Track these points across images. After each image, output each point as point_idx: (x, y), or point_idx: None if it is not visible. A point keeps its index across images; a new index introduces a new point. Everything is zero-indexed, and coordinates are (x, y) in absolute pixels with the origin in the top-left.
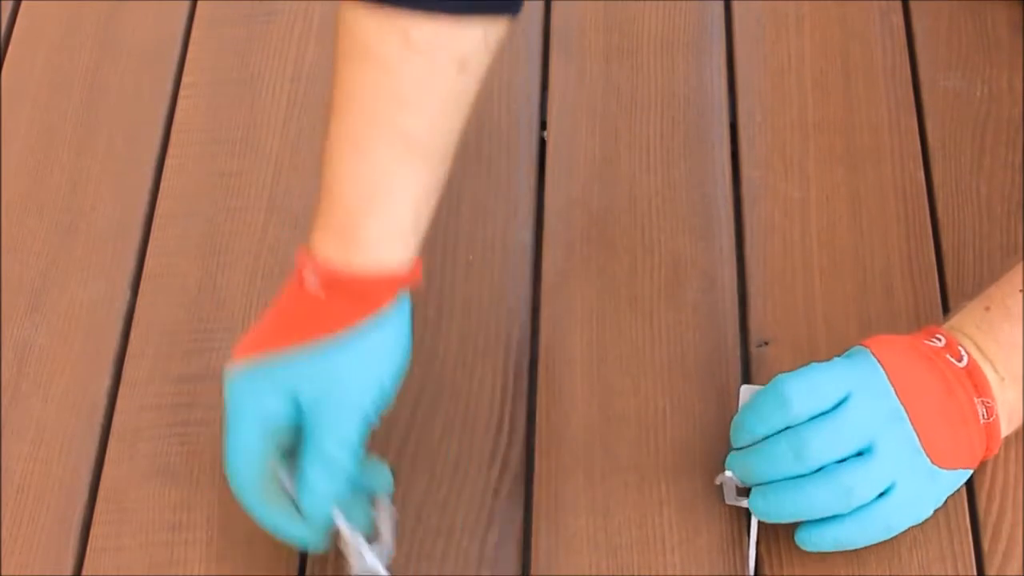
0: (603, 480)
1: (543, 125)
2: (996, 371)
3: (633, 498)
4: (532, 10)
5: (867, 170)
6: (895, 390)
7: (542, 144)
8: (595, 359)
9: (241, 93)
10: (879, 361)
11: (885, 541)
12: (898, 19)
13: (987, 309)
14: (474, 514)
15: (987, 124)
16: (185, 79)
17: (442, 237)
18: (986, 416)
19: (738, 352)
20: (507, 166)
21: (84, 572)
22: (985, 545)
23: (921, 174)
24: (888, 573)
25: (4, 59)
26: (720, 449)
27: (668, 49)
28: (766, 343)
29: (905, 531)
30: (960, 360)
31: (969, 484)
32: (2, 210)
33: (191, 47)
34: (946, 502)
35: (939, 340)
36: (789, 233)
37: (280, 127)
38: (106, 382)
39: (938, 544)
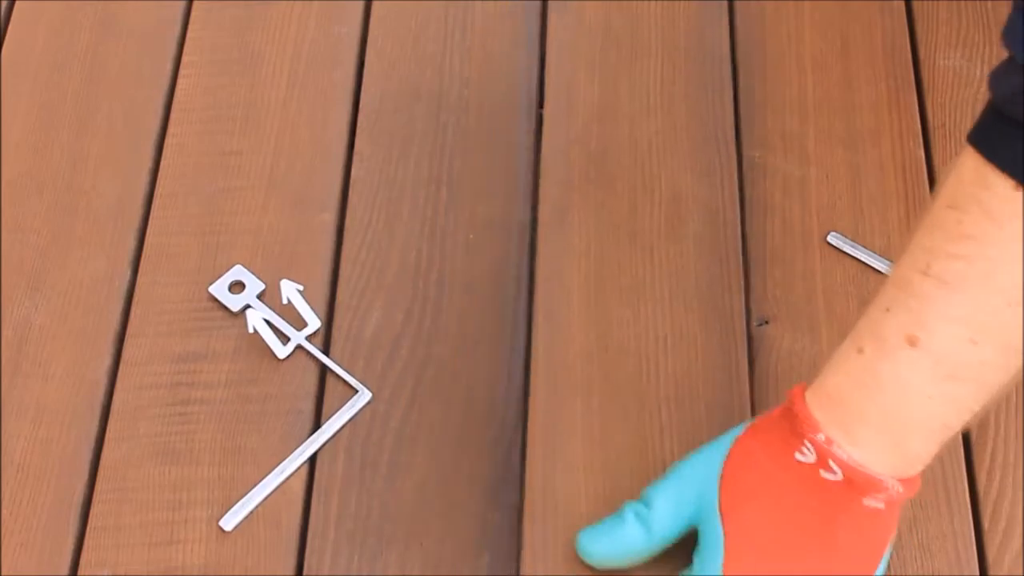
0: (602, 408)
1: (540, 103)
2: (885, 436)
3: (633, 425)
4: None
5: (867, 149)
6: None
7: (540, 122)
8: (594, 291)
9: (241, 72)
10: (724, 535)
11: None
12: None
13: (860, 351)
14: (476, 490)
15: None
16: (185, 58)
17: (443, 214)
18: (884, 503)
19: (740, 282)
20: (506, 145)
21: (84, 551)
22: (985, 524)
23: (921, 152)
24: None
25: (4, 39)
26: (721, 377)
27: (669, 9)
28: (766, 322)
29: (905, 510)
30: (834, 473)
31: (969, 463)
32: (2, 189)
33: (191, 26)
34: (947, 480)
35: (808, 451)
36: (789, 212)
37: (280, 106)
38: (106, 361)
39: (938, 523)
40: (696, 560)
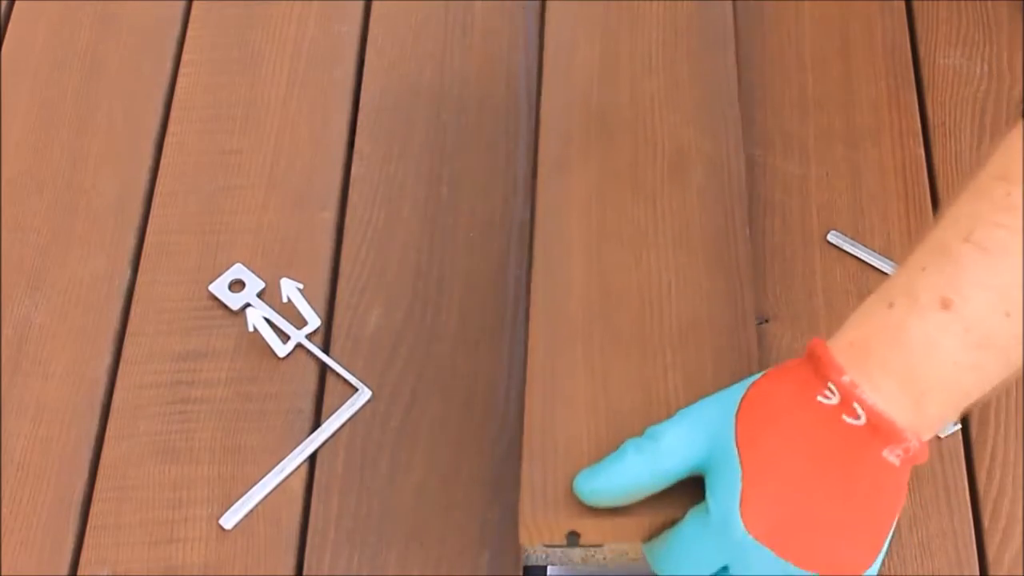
0: (603, 351)
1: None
2: (906, 391)
3: (636, 366)
4: None
5: (867, 147)
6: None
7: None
8: (595, 240)
9: (241, 71)
10: (742, 470)
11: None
12: None
13: (890, 306)
14: (477, 489)
15: (987, 102)
16: (185, 56)
17: (443, 213)
18: (900, 460)
19: (746, 231)
20: (506, 143)
21: (84, 549)
22: (985, 522)
23: (921, 151)
24: (888, 550)
25: (4, 36)
26: (728, 321)
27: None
28: (766, 320)
29: (904, 509)
30: (858, 418)
31: (969, 461)
32: (2, 188)
33: (191, 25)
34: (947, 478)
35: (831, 394)
36: (789, 210)
37: (280, 105)
38: (106, 359)
39: (938, 521)
40: (710, 496)
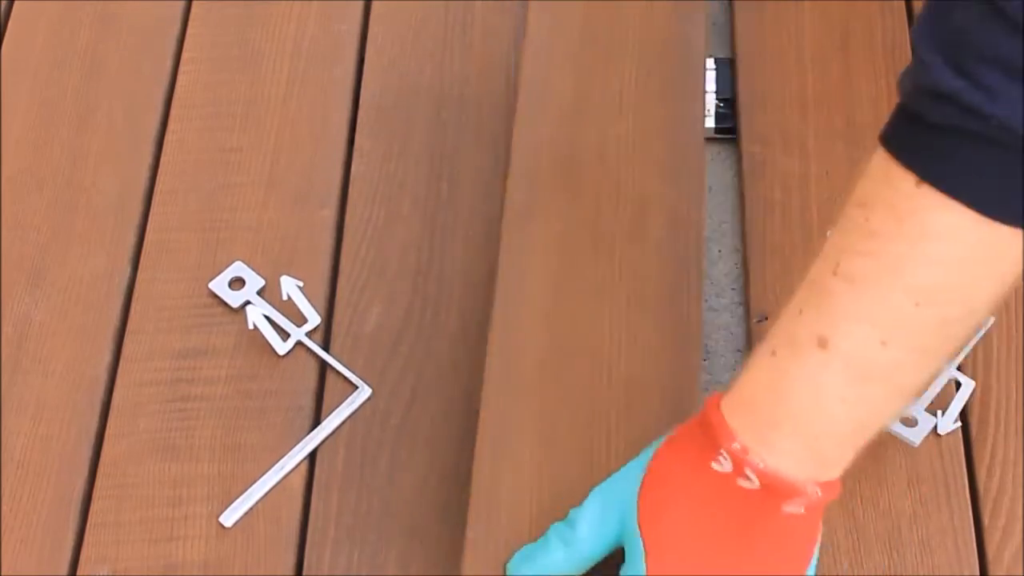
0: (552, 413)
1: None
2: (799, 442)
3: (582, 429)
4: None
5: (867, 145)
6: None
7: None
8: (552, 294)
9: (241, 69)
10: (644, 551)
11: (885, 518)
12: None
13: (773, 354)
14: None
15: None
16: (185, 55)
17: (443, 211)
18: (805, 508)
19: (700, 288)
20: (505, 141)
21: (84, 547)
22: (985, 520)
23: None
24: (888, 548)
25: (4, 35)
26: (675, 384)
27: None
28: (765, 318)
29: (903, 507)
30: (751, 481)
31: (969, 459)
32: (2, 186)
33: (191, 23)
34: (947, 476)
35: (724, 461)
36: (789, 208)
37: (280, 103)
38: (106, 357)
39: (938, 519)
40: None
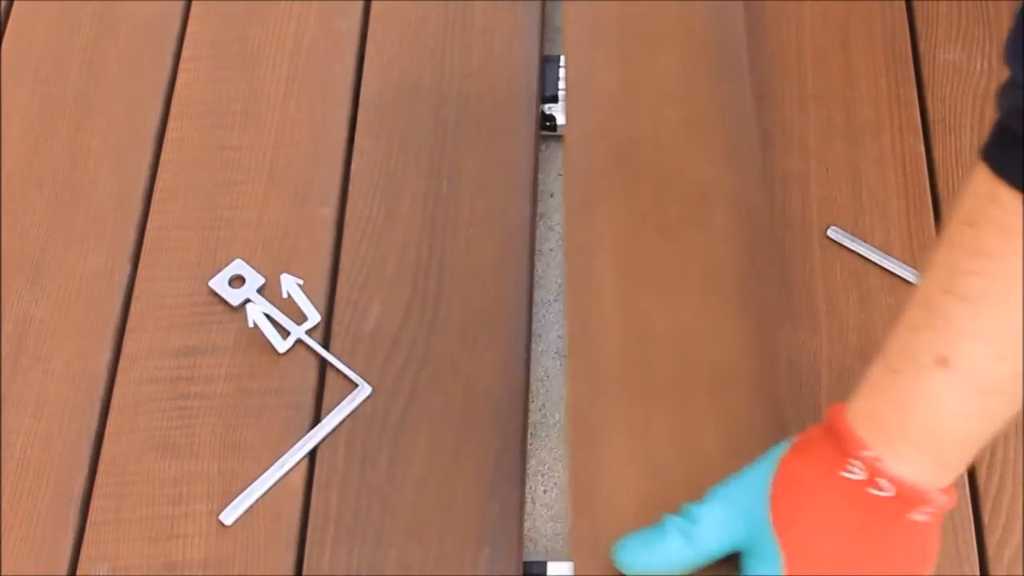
0: (641, 402)
1: (544, 99)
2: (926, 453)
3: (672, 416)
4: None
5: (867, 143)
6: None
7: (542, 118)
8: (623, 285)
9: (241, 67)
10: (783, 552)
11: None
12: None
13: (895, 373)
14: (477, 485)
15: (987, 98)
16: (185, 53)
17: (442, 209)
18: (931, 515)
19: (773, 271)
20: (506, 139)
21: (84, 545)
22: (985, 518)
23: (921, 147)
24: None
25: (4, 33)
26: (759, 367)
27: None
28: None
29: None
30: (883, 490)
31: None
32: (2, 183)
33: (191, 21)
34: None
35: (857, 470)
36: (789, 206)
37: (280, 101)
38: (106, 355)
39: None
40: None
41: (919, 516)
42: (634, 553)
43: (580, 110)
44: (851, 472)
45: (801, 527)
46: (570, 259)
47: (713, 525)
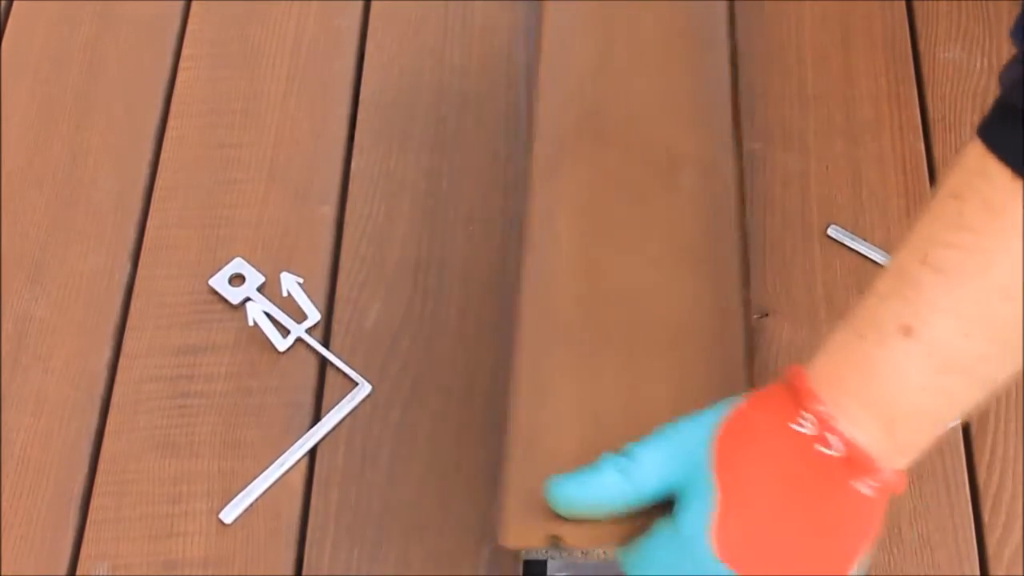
0: (591, 353)
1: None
2: (878, 420)
3: (623, 369)
4: None
5: (867, 141)
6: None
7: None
8: (585, 241)
9: (241, 66)
10: (718, 493)
11: (885, 515)
12: None
13: (861, 337)
14: (477, 483)
15: (987, 96)
16: (185, 51)
17: (443, 207)
18: (875, 491)
19: (737, 234)
20: (506, 138)
21: (84, 543)
22: (985, 517)
23: (921, 145)
24: (888, 545)
25: (4, 31)
26: (714, 325)
27: None
28: (766, 314)
29: (903, 503)
30: (831, 448)
31: (969, 457)
32: (2, 182)
33: (191, 19)
34: (947, 474)
35: (808, 424)
36: (789, 204)
37: (280, 100)
38: (106, 354)
39: (938, 515)
40: (681, 514)
41: (863, 488)
42: (568, 488)
43: (554, 78)
44: (801, 425)
45: (740, 470)
46: (532, 218)
47: (652, 463)
